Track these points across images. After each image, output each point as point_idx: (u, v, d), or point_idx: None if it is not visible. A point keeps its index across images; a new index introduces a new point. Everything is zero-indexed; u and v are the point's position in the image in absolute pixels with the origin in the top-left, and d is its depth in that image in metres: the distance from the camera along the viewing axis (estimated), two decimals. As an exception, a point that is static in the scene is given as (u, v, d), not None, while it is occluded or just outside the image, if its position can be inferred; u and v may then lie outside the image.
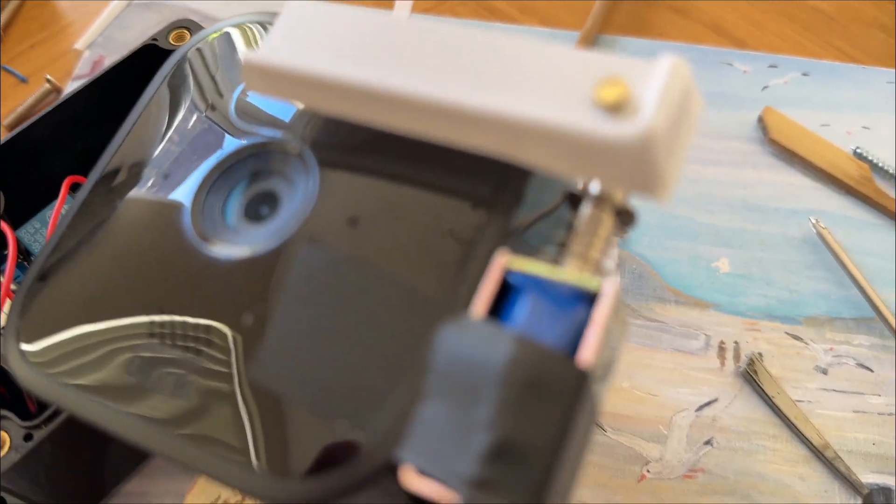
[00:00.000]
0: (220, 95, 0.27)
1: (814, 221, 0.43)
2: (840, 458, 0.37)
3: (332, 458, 0.20)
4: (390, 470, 0.19)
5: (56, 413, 0.31)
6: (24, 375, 0.24)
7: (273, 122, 0.25)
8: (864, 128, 0.48)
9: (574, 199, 0.22)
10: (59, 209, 0.34)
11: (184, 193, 0.25)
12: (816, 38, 0.52)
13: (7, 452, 0.30)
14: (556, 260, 0.21)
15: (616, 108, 0.19)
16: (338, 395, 0.20)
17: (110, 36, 0.54)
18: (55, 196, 0.36)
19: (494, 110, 0.20)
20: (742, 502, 0.36)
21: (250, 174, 0.24)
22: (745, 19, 0.53)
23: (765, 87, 0.49)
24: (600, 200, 0.22)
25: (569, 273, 0.20)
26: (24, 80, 0.52)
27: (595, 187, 0.22)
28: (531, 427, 0.18)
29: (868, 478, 0.37)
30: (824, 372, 0.40)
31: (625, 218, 0.22)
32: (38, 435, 0.31)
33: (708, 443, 0.38)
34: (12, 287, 0.34)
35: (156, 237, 0.25)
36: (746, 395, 0.39)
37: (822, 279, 0.42)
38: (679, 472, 0.37)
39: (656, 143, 0.18)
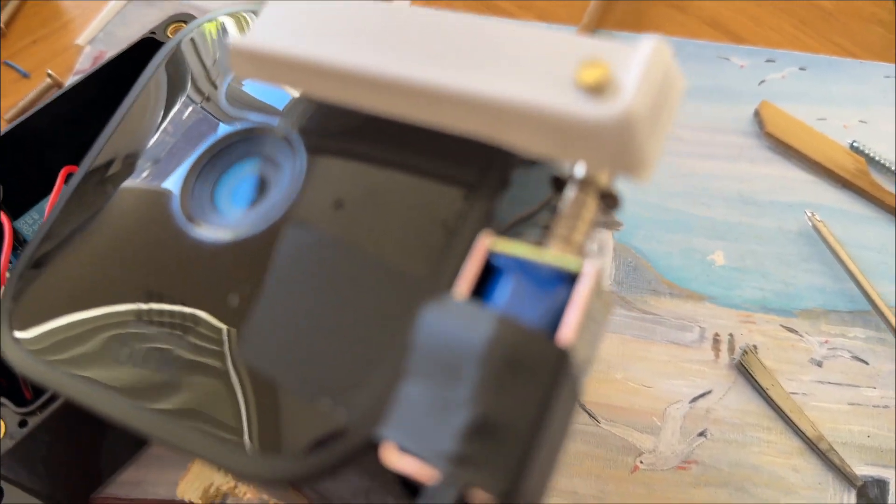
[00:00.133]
0: (212, 83, 0.27)
1: (809, 215, 0.43)
2: (834, 450, 0.37)
3: (316, 436, 0.20)
4: (373, 448, 0.19)
5: (51, 400, 0.32)
6: (16, 358, 0.24)
7: (262, 108, 0.26)
8: (861, 122, 0.48)
9: (559, 183, 0.22)
10: (55, 199, 0.35)
11: (174, 179, 0.25)
12: (814, 33, 0.52)
13: (2, 438, 0.31)
14: (539, 242, 0.21)
15: (597, 90, 0.19)
16: (322, 374, 0.20)
17: (111, 32, 0.54)
18: (54, 187, 0.36)
19: (478, 92, 0.20)
20: (736, 494, 0.36)
21: (239, 159, 0.25)
22: (742, 14, 0.53)
23: (762, 82, 0.49)
24: (585, 184, 0.22)
25: (551, 255, 0.20)
26: (26, 76, 0.52)
27: (580, 170, 0.22)
28: (510, 405, 0.18)
29: (862, 470, 0.37)
30: (819, 364, 0.40)
31: (609, 201, 0.22)
32: (33, 421, 0.31)
33: (702, 434, 0.38)
34: (7, 275, 0.34)
35: (146, 222, 0.25)
36: (741, 387, 0.39)
37: (818, 272, 0.42)
38: (672, 463, 0.37)
39: (636, 124, 0.18)
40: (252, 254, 0.23)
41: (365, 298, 0.21)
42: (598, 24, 0.52)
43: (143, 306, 0.24)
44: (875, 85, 0.49)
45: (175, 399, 0.22)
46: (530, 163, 0.22)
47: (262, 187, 0.24)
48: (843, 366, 0.40)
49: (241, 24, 0.29)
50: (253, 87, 0.26)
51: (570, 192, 0.22)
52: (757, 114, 0.47)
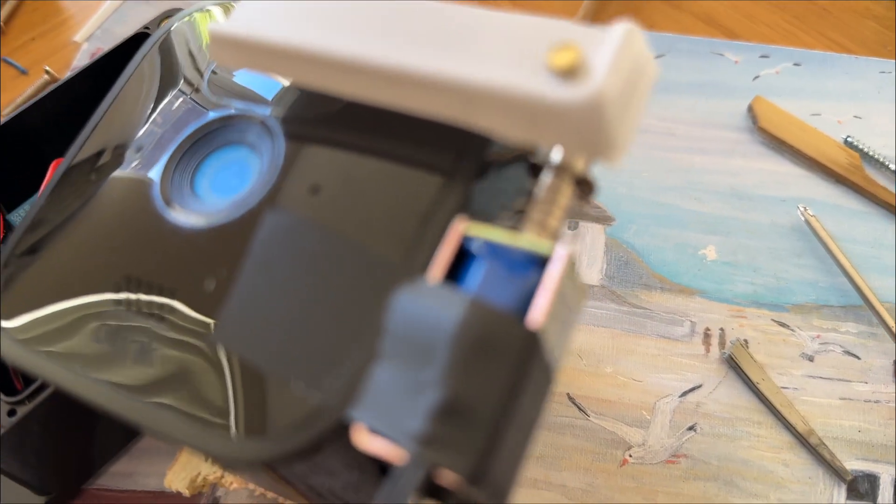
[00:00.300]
0: (197, 71, 0.27)
1: (802, 209, 0.43)
2: (824, 444, 0.37)
3: (289, 419, 0.20)
4: (345, 430, 0.19)
5: (40, 389, 0.32)
6: (3, 347, 0.25)
7: (245, 95, 0.26)
8: (856, 117, 0.47)
9: (534, 168, 0.22)
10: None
11: (156, 168, 0.25)
12: (809, 28, 0.52)
13: (-9, 428, 0.31)
14: (514, 227, 0.21)
15: (569, 73, 0.19)
16: (297, 357, 0.21)
17: (108, 29, 0.55)
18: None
19: (452, 75, 0.20)
20: (725, 488, 0.36)
21: (218, 146, 0.25)
22: (736, 10, 0.53)
23: (756, 77, 0.49)
24: (560, 170, 0.22)
25: (525, 239, 0.20)
26: (24, 72, 0.53)
27: (556, 156, 0.22)
28: (479, 386, 0.18)
29: (853, 464, 0.37)
30: (810, 359, 0.39)
31: (584, 187, 0.22)
32: (22, 411, 0.32)
33: (691, 428, 0.38)
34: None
35: (129, 210, 0.25)
36: (731, 381, 0.39)
37: (810, 267, 0.42)
38: (662, 457, 0.37)
39: (607, 106, 0.18)
40: (230, 239, 0.23)
41: (340, 283, 0.21)
42: (593, 20, 0.52)
43: (128, 294, 0.24)
44: (870, 80, 0.49)
45: (155, 383, 0.22)
46: (507, 149, 0.22)
47: (240, 173, 0.24)
48: (834, 360, 0.39)
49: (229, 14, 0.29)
50: (237, 75, 0.27)
51: (545, 178, 0.22)
52: (750, 109, 0.47)
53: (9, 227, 0.39)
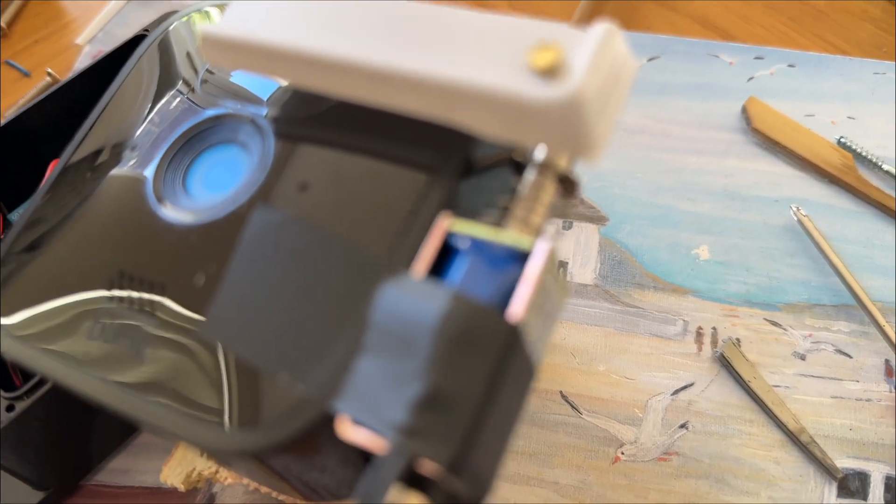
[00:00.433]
0: (193, 70, 0.28)
1: (795, 209, 0.43)
2: (816, 442, 0.37)
3: (275, 410, 0.20)
4: (329, 421, 0.20)
5: (39, 385, 0.32)
6: (1, 343, 0.25)
7: (237, 95, 0.26)
8: (850, 118, 0.48)
9: (518, 166, 0.23)
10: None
11: (150, 166, 0.26)
12: (804, 30, 0.52)
13: (-10, 423, 0.32)
14: (498, 223, 0.22)
15: (549, 73, 0.19)
16: (283, 350, 0.21)
17: (110, 32, 0.55)
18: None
19: (436, 74, 0.20)
20: (716, 486, 0.36)
21: (210, 145, 0.25)
22: (732, 12, 0.53)
23: (750, 78, 0.50)
24: (544, 167, 0.22)
25: (507, 235, 0.21)
26: (26, 74, 0.53)
27: (539, 154, 0.22)
28: (459, 378, 0.18)
29: (844, 462, 0.37)
30: (802, 358, 0.40)
31: (567, 185, 0.22)
32: (20, 406, 0.32)
33: (683, 426, 0.38)
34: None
35: (124, 208, 0.26)
36: (723, 379, 0.39)
37: (803, 267, 0.42)
38: (653, 454, 0.37)
39: (585, 105, 0.19)
40: (220, 235, 0.23)
41: (326, 277, 0.22)
42: (589, 22, 0.53)
43: (121, 290, 0.24)
44: (864, 81, 0.49)
45: (149, 377, 0.23)
46: (491, 148, 0.23)
47: (231, 171, 0.25)
48: (826, 359, 0.40)
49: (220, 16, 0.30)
50: (233, 75, 0.27)
51: (529, 176, 0.22)
52: (744, 110, 0.48)
53: (9, 227, 0.40)
